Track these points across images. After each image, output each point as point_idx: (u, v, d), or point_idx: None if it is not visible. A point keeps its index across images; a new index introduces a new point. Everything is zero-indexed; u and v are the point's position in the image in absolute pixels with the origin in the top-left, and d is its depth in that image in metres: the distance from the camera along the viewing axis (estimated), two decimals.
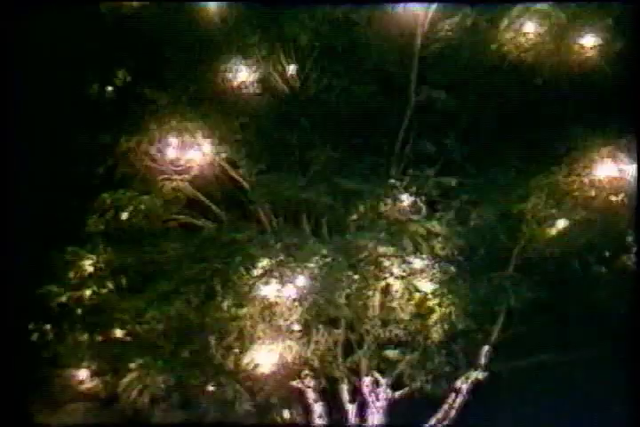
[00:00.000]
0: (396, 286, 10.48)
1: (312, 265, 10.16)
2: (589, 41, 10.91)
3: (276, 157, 11.96)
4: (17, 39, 11.81)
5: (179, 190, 11.91)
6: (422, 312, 10.68)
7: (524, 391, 12.17)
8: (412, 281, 10.44)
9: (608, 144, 10.73)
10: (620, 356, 10.85)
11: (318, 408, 12.08)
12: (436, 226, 10.75)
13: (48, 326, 11.50)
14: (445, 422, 12.08)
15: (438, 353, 10.97)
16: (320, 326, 10.76)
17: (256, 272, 10.33)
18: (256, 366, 10.44)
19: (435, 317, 10.62)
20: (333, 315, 10.87)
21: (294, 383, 11.71)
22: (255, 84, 12.05)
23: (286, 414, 11.89)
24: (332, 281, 10.21)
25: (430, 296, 10.56)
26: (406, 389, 12.02)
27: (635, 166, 10.70)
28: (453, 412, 12.03)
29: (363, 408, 12.15)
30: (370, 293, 10.48)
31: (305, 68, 12.30)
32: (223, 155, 11.88)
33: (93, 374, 11.57)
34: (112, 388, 11.25)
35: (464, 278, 10.69)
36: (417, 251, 10.67)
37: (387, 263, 10.49)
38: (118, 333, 11.36)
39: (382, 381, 12.00)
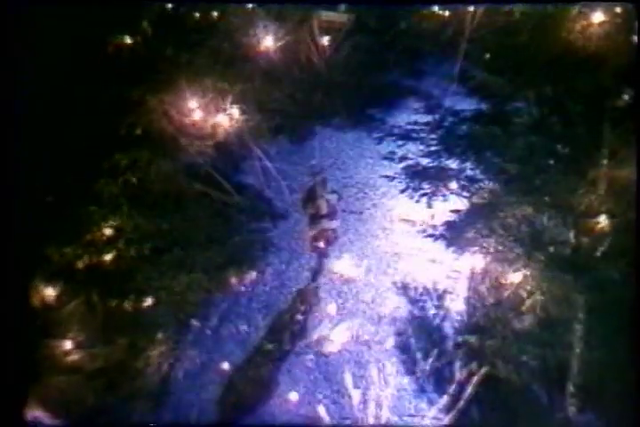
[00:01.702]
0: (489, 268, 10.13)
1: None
2: None
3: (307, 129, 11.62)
4: None
5: (201, 155, 11.36)
6: (513, 299, 10.39)
7: None
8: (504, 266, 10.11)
9: None
10: None
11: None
12: (528, 210, 10.47)
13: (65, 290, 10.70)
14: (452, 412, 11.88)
15: (518, 340, 10.63)
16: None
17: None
18: (330, 342, 9.99)
19: (527, 304, 10.33)
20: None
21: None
22: (286, 52, 11.65)
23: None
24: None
25: (526, 282, 10.26)
26: (414, 376, 11.79)
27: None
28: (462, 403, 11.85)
29: (367, 394, 11.85)
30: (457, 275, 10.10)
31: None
32: (251, 123, 11.38)
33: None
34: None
35: (552, 267, 10.36)
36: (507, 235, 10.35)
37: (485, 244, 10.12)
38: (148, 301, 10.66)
39: (392, 367, 11.72)
